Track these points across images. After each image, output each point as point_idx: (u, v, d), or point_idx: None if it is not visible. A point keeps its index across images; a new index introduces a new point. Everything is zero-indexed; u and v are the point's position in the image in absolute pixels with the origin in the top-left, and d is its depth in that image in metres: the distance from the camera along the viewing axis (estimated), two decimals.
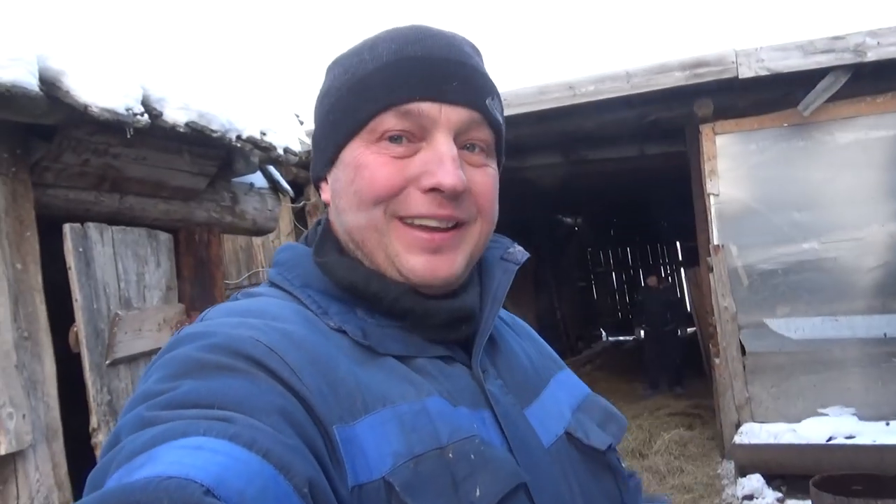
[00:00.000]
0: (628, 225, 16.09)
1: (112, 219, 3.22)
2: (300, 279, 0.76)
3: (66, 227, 2.85)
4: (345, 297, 0.74)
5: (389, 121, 0.71)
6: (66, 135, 2.82)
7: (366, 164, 0.72)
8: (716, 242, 5.77)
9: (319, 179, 0.82)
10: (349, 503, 0.57)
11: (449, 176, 0.69)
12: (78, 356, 2.89)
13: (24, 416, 2.53)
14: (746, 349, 5.70)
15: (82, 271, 2.88)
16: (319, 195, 0.83)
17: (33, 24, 2.58)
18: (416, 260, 0.72)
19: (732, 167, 5.74)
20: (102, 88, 2.63)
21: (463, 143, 0.73)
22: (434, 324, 0.74)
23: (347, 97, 0.74)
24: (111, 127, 2.75)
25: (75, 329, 2.84)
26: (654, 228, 15.61)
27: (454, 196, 0.71)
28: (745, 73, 5.35)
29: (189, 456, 0.45)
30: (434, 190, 0.70)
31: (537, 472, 0.71)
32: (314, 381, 0.61)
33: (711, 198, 5.78)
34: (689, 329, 9.57)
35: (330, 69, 0.80)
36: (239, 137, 3.28)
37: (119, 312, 3.03)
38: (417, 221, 0.71)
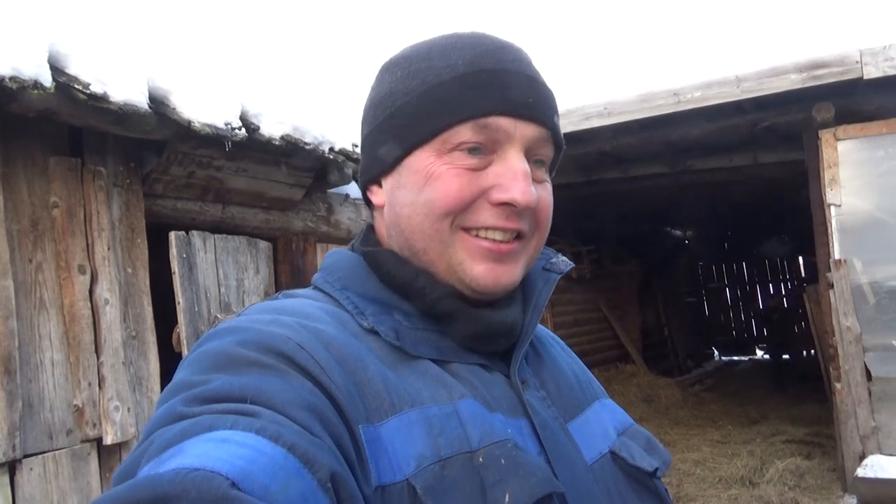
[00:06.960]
0: (743, 238, 15.20)
1: (216, 227, 3.41)
2: (340, 282, 0.77)
3: (172, 235, 3.06)
4: (384, 298, 0.74)
5: (466, 133, 0.71)
6: (174, 149, 3.03)
7: (439, 174, 0.72)
8: (837, 257, 5.33)
9: (372, 182, 0.80)
10: (373, 502, 0.57)
11: (523, 192, 0.70)
12: (180, 355, 3.08)
13: (128, 409, 2.72)
14: (872, 374, 5.21)
15: (185, 276, 3.07)
16: (367, 198, 0.82)
17: (141, 46, 2.80)
18: (480, 268, 0.72)
19: (856, 175, 5.29)
20: (204, 105, 2.80)
21: (531, 158, 0.74)
22: (471, 332, 0.73)
23: (417, 103, 0.73)
24: (213, 141, 2.93)
25: (177, 330, 3.03)
26: (772, 242, 14.67)
27: (523, 211, 0.71)
28: (872, 73, 4.93)
29: (216, 448, 0.46)
30: (505, 204, 0.70)
31: (577, 487, 0.69)
32: (342, 380, 0.61)
33: (832, 208, 5.35)
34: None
35: (388, 70, 0.79)
36: (332, 149, 3.39)
37: (219, 315, 3.20)
38: (483, 233, 0.72)
